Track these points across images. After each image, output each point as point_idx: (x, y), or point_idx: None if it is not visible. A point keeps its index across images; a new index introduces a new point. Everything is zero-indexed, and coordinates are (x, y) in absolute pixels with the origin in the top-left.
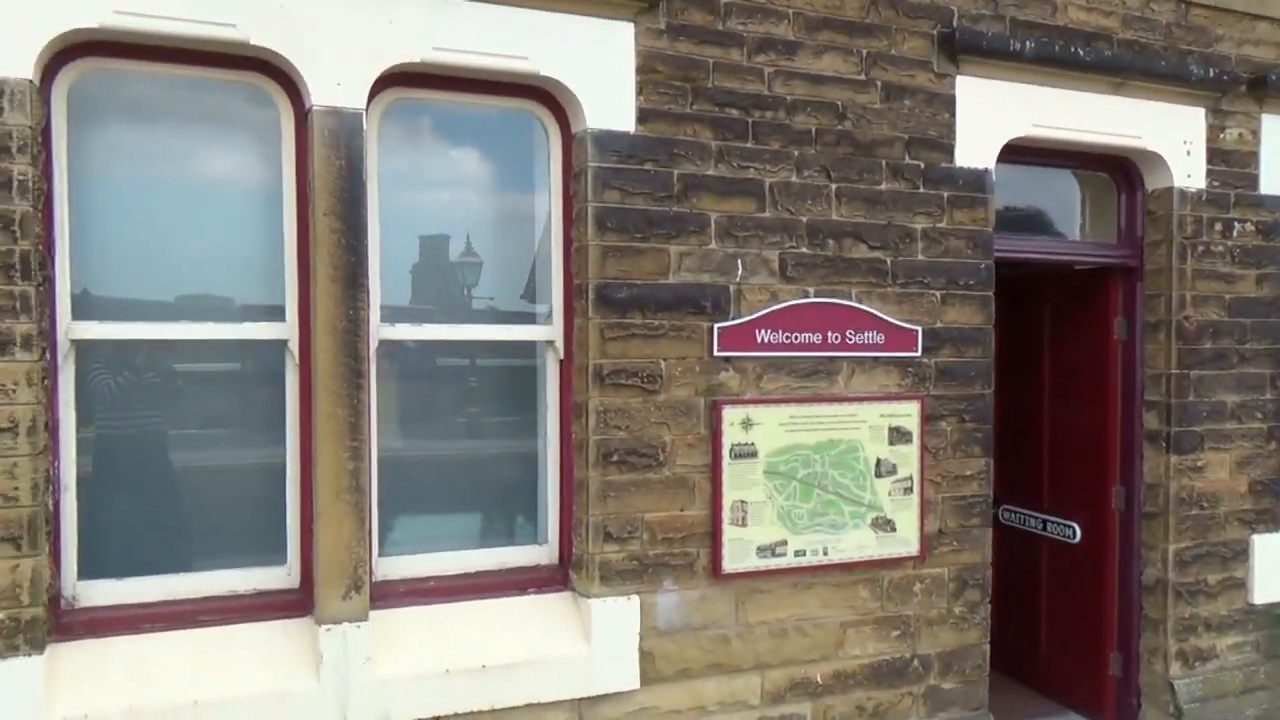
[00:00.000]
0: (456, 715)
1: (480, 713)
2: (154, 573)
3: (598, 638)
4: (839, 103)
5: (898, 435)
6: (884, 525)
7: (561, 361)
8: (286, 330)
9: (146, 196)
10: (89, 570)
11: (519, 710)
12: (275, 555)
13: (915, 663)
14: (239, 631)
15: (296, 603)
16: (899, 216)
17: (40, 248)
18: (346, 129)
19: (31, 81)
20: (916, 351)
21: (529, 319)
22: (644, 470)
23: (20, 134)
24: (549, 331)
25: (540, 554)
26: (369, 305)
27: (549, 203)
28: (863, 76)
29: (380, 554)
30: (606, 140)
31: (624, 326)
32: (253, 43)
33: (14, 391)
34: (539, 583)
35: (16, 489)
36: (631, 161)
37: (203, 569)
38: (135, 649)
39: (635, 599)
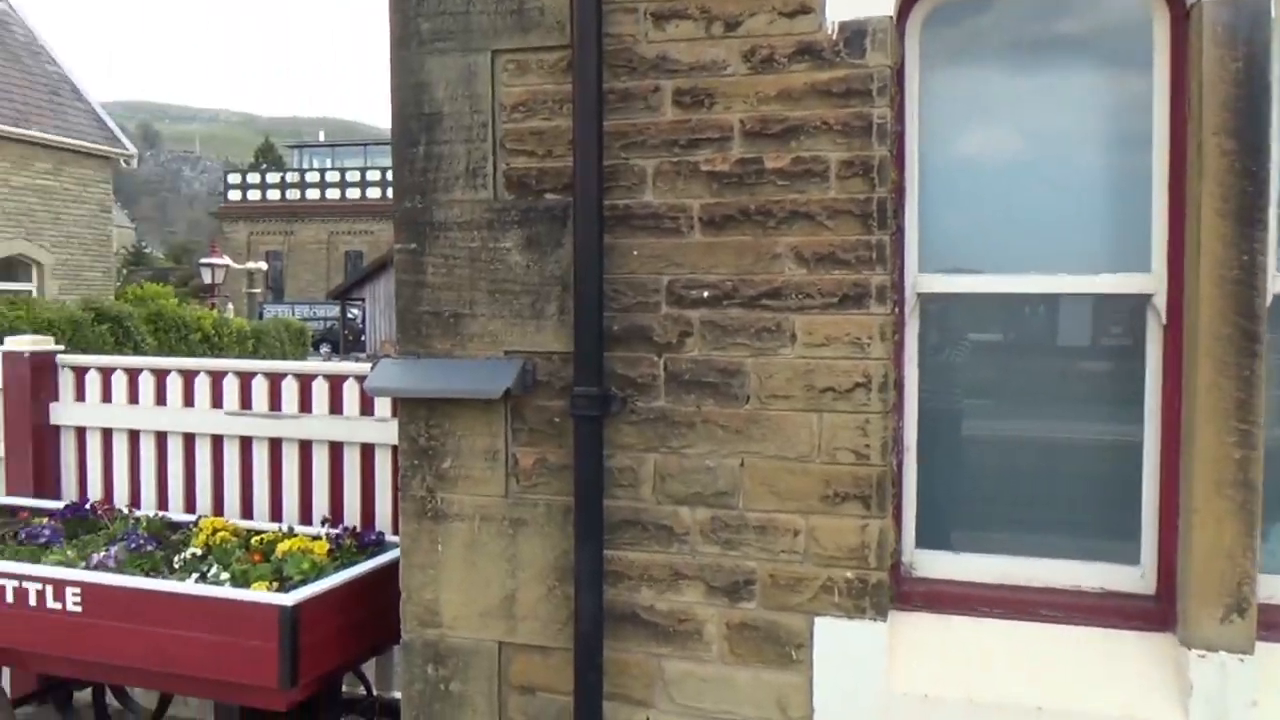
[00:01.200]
0: None
1: None
2: (987, 551)
3: None
4: None
5: None
6: None
7: None
8: (1152, 282)
9: (980, 135)
10: (925, 539)
11: None
12: (1126, 552)
13: None
14: (1082, 635)
15: (1152, 613)
16: None
17: (893, 195)
18: (1247, 20)
19: (891, 18)
20: None
21: None
22: None
23: (880, 75)
24: None
25: None
26: (1265, 249)
27: None
28: None
29: (1263, 569)
30: None
31: None
32: None
33: (868, 345)
34: None
35: (868, 446)
36: None
37: (1041, 555)
38: (973, 633)
39: None
